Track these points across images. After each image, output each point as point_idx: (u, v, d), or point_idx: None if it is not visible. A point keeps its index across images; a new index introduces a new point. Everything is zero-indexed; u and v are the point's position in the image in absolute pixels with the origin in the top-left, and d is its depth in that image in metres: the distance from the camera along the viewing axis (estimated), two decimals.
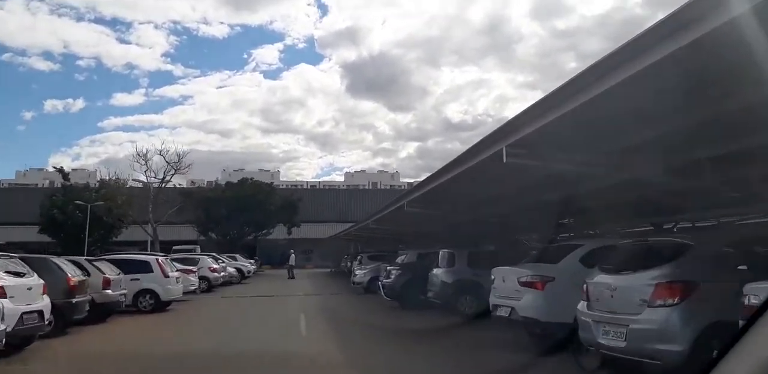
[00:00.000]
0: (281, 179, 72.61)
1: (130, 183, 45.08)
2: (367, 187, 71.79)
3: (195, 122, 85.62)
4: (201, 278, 24.62)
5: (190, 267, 21.18)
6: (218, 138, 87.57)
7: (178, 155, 43.42)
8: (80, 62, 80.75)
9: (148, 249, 32.55)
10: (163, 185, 46.10)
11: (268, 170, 77.31)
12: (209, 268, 25.35)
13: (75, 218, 36.72)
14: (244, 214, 46.58)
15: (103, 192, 40.06)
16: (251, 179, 48.22)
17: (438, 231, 18.76)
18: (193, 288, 20.56)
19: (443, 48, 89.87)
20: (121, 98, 77.86)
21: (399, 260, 19.64)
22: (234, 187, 47.57)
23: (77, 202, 35.78)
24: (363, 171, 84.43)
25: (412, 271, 15.82)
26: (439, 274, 13.68)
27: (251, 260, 40.83)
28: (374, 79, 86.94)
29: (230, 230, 48.55)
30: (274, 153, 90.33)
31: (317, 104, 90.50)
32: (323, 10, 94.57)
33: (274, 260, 60.63)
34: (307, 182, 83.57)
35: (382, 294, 16.79)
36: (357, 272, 24.06)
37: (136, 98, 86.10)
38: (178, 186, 48.36)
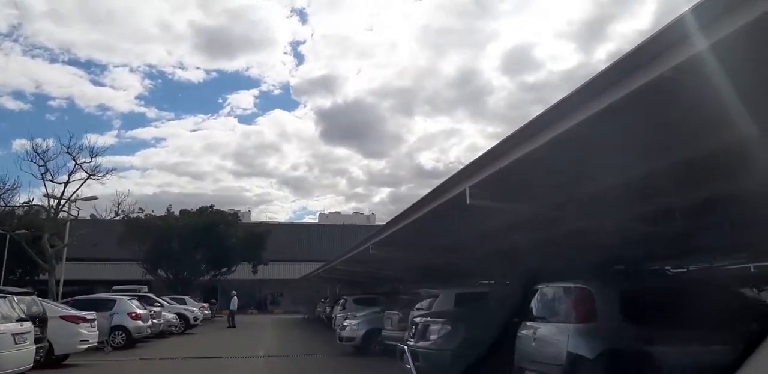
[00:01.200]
0: (251, 219, 67.12)
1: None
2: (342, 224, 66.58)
3: (167, 165, 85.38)
4: (115, 328, 16.81)
5: (86, 314, 13.37)
6: (190, 181, 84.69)
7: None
8: (52, 103, 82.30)
9: (49, 291, 24.24)
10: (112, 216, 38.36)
11: (239, 210, 70.67)
12: (130, 314, 17.46)
13: None
14: (200, 248, 38.60)
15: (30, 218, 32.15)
16: (211, 207, 40.49)
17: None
18: (86, 345, 12.81)
19: (416, 98, 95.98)
20: (92, 139, 77.97)
21: (423, 305, 12.21)
22: (190, 216, 39.75)
23: None
24: (338, 212, 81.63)
25: (469, 326, 8.32)
26: (560, 339, 6.12)
27: (205, 304, 32.76)
28: (349, 126, 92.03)
29: (184, 268, 40.39)
30: (246, 196, 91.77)
31: (291, 148, 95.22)
32: (299, 58, 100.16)
33: (240, 304, 52.44)
34: (277, 221, 76.68)
35: (411, 367, 8.85)
36: (346, 323, 16.52)
37: (107, 139, 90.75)
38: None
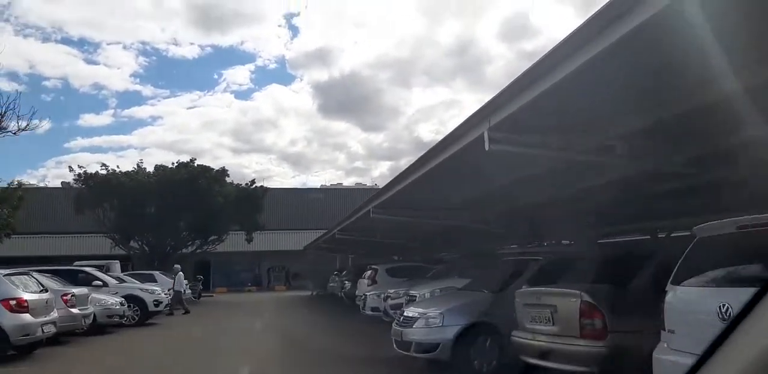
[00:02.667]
0: None
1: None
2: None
3: (165, 143, 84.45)
4: None
5: None
6: (188, 158, 78.88)
7: None
8: (47, 83, 78.20)
9: None
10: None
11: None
12: (5, 303, 9.55)
13: None
14: (181, 212, 30.55)
15: None
16: (192, 160, 32.13)
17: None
18: None
19: (414, 69, 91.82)
20: (88, 119, 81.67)
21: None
22: (165, 171, 31.57)
23: None
24: (340, 184, 78.18)
25: None
26: None
27: (185, 282, 25.06)
28: (346, 99, 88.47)
29: (162, 238, 32.48)
30: (245, 173, 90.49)
31: (289, 123, 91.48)
32: (294, 31, 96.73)
33: (235, 280, 44.82)
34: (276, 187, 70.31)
35: None
36: (411, 313, 8.45)
37: (104, 118, 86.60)
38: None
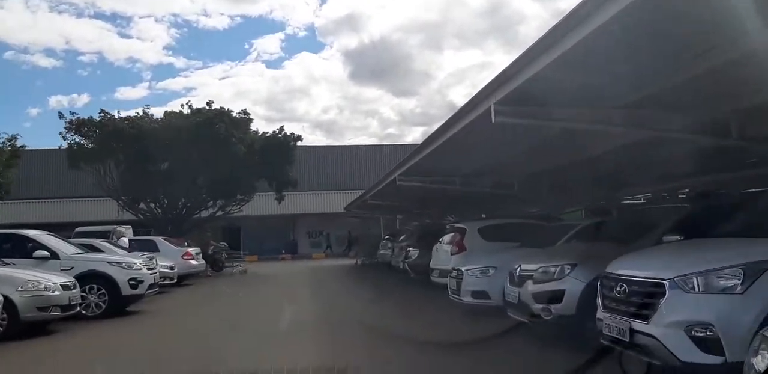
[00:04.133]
0: None
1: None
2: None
3: None
4: None
5: None
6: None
7: None
8: (83, 58, 79.64)
9: None
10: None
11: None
12: None
13: None
14: (197, 166, 24.94)
15: None
16: (209, 103, 26.15)
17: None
18: None
19: (444, 32, 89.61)
20: (124, 92, 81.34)
21: None
22: (176, 117, 25.81)
23: None
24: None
25: None
26: None
27: (190, 250, 19.73)
28: (377, 65, 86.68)
29: (176, 198, 27.05)
30: None
31: (320, 91, 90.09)
32: None
33: (267, 247, 39.43)
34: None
35: None
36: None
37: (139, 91, 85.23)
38: None
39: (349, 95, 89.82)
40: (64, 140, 25.87)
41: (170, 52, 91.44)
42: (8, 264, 9.28)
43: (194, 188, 26.54)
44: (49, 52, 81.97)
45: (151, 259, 13.57)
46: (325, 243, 36.05)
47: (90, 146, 25.55)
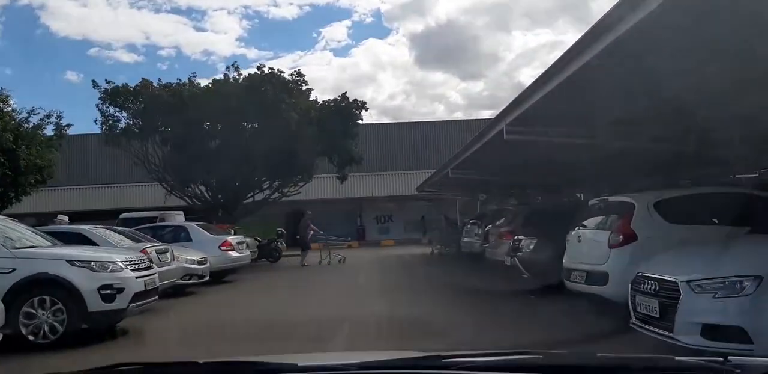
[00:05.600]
0: None
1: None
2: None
3: None
4: None
5: None
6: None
7: None
8: (161, 52, 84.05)
9: None
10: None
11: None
12: None
13: None
14: (248, 140, 21.29)
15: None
16: (261, 67, 22.26)
17: None
18: None
19: (512, 12, 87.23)
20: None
21: None
22: (224, 85, 22.20)
23: None
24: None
25: None
26: None
27: (230, 238, 16.04)
28: (443, 48, 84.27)
29: (226, 179, 23.57)
30: None
31: (387, 77, 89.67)
32: None
33: (332, 233, 35.27)
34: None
35: None
36: None
37: None
38: None
39: (415, 79, 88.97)
40: (102, 114, 22.89)
41: (242, 44, 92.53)
42: None
43: (246, 166, 22.94)
44: (131, 47, 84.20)
45: (162, 253, 9.84)
46: (422, 229, 31.13)
47: (128, 120, 22.47)
